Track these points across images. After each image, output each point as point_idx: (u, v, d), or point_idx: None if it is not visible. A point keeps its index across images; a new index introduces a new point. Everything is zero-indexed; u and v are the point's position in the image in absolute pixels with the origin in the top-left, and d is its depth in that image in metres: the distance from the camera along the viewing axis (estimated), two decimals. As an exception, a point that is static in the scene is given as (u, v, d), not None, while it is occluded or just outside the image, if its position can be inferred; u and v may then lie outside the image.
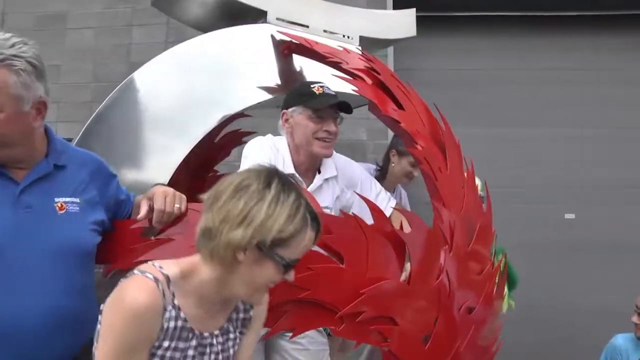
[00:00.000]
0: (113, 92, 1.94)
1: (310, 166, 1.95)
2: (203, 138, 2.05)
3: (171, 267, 1.13)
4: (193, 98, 1.99)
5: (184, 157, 1.94)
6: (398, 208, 1.80)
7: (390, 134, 3.38)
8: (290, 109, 1.93)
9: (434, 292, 1.57)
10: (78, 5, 4.65)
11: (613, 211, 4.32)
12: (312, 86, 1.90)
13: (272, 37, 2.12)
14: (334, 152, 1.99)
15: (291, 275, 1.14)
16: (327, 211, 1.89)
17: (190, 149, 1.96)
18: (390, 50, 4.26)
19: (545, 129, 4.44)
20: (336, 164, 2.01)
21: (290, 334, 1.57)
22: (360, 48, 2.24)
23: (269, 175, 1.11)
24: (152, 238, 1.42)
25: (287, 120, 1.94)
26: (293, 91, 1.99)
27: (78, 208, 1.35)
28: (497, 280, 1.94)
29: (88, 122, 1.89)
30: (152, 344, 1.08)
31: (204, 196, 1.14)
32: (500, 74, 4.57)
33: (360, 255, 1.43)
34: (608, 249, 4.30)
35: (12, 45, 1.22)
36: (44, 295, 1.22)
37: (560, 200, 4.33)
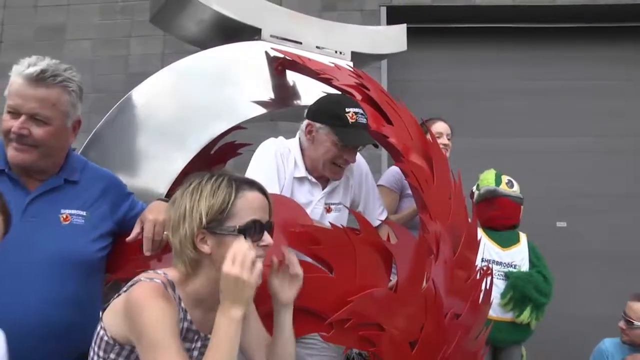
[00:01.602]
0: (114, 108, 2.02)
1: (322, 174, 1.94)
2: (199, 151, 2.13)
3: (172, 272, 1.21)
4: (191, 111, 2.08)
5: (183, 166, 2.01)
6: (386, 220, 1.87)
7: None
8: (317, 124, 1.84)
9: (421, 299, 1.63)
10: (77, 16, 4.72)
11: (604, 220, 4.41)
12: (347, 111, 1.79)
13: (267, 53, 2.19)
14: None
15: (267, 240, 1.20)
16: (341, 207, 1.93)
17: (190, 159, 2.04)
18: (383, 62, 4.33)
19: (537, 139, 4.51)
20: None
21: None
22: (350, 65, 2.31)
23: (193, 178, 1.22)
24: None
25: (310, 131, 1.87)
26: (326, 106, 1.88)
27: (83, 220, 1.43)
28: (485, 287, 2.01)
29: (91, 134, 1.97)
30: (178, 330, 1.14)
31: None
32: (493, 85, 4.64)
33: (349, 265, 1.50)
34: (599, 257, 4.37)
35: (65, 70, 1.41)
36: (36, 303, 1.28)
37: (552, 209, 4.41)
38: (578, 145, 4.52)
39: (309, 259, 1.49)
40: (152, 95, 2.05)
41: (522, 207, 3.04)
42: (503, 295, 2.75)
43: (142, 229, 1.46)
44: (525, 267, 2.85)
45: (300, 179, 1.88)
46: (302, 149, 1.91)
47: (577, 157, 4.50)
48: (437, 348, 1.70)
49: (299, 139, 1.93)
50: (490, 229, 2.91)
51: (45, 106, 1.36)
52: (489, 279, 2.02)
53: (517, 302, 2.75)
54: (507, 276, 2.79)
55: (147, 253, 1.43)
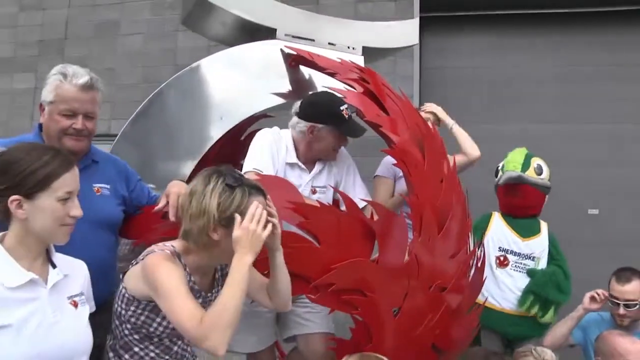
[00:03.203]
0: (155, 91, 2.36)
1: (313, 158, 2.24)
2: (230, 137, 2.49)
3: (177, 244, 1.49)
4: (218, 100, 2.38)
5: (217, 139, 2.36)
6: (369, 200, 2.09)
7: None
8: (320, 125, 2.13)
9: (402, 271, 1.83)
10: (130, 12, 5.13)
11: (637, 207, 4.36)
12: (340, 108, 2.10)
13: (281, 50, 2.43)
14: None
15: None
16: (324, 190, 2.21)
17: (217, 139, 2.36)
18: (415, 51, 4.45)
19: (571, 125, 4.51)
20: None
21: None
22: (361, 59, 2.51)
23: (209, 175, 1.45)
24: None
25: (312, 132, 2.15)
26: (322, 108, 2.15)
27: (109, 192, 1.85)
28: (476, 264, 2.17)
29: (133, 115, 2.32)
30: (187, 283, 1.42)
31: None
32: (527, 71, 4.65)
33: (333, 237, 1.73)
34: (631, 245, 4.31)
35: (91, 73, 1.78)
36: (90, 249, 1.60)
37: (584, 196, 4.41)
38: (611, 131, 4.47)
39: (298, 231, 1.73)
40: (189, 85, 2.38)
41: (547, 196, 2.81)
42: (521, 303, 2.60)
43: (167, 202, 1.76)
44: (544, 259, 2.69)
45: (292, 165, 2.17)
46: (294, 139, 2.20)
47: (609, 143, 4.46)
48: (421, 316, 1.90)
49: (292, 132, 2.22)
50: (509, 216, 2.75)
51: (94, 105, 1.79)
52: (480, 258, 2.19)
53: (540, 306, 2.60)
54: (528, 274, 2.64)
55: (172, 219, 1.71)
